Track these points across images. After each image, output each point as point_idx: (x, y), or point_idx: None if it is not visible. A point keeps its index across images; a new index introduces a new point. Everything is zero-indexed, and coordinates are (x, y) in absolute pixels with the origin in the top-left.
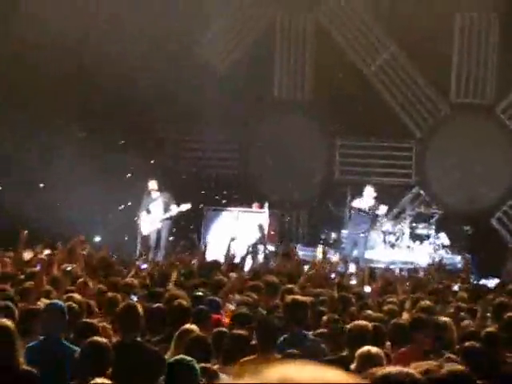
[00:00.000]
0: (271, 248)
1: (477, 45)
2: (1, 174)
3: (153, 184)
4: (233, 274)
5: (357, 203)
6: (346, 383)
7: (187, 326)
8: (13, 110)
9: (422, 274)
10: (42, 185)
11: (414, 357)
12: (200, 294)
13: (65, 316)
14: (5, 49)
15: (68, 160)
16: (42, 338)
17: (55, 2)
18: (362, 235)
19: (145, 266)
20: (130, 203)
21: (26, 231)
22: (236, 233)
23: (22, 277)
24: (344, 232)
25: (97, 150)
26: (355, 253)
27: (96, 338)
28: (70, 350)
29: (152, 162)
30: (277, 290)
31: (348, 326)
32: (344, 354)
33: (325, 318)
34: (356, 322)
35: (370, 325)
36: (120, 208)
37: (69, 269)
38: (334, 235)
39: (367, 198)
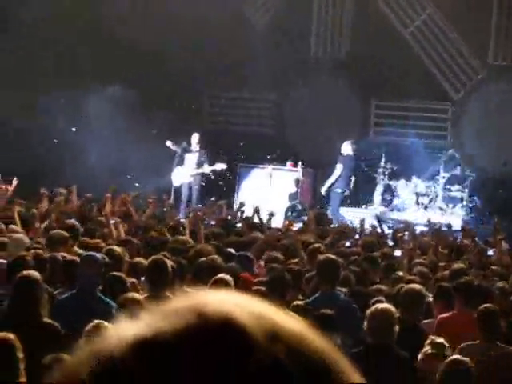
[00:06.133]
0: (302, 206)
1: None
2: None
3: (195, 137)
4: (258, 233)
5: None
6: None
7: (221, 275)
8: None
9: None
10: (74, 129)
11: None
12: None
13: (101, 268)
14: None
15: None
16: (76, 289)
17: None
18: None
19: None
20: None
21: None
22: (260, 201)
23: None
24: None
25: (132, 104)
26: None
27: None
28: (104, 302)
29: (188, 119)
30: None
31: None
32: None
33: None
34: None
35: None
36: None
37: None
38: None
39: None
